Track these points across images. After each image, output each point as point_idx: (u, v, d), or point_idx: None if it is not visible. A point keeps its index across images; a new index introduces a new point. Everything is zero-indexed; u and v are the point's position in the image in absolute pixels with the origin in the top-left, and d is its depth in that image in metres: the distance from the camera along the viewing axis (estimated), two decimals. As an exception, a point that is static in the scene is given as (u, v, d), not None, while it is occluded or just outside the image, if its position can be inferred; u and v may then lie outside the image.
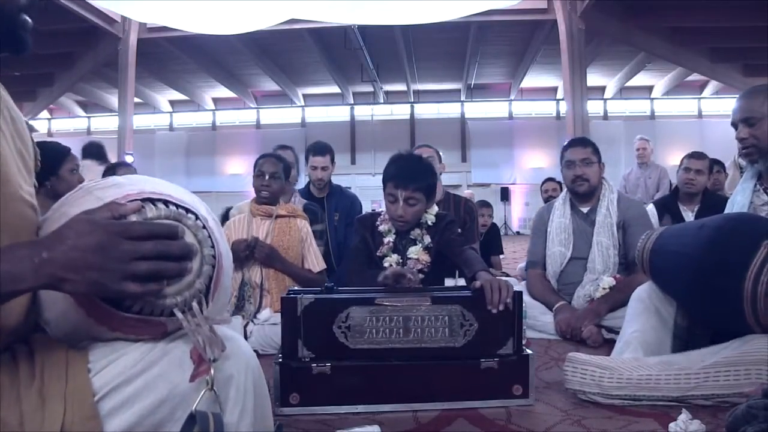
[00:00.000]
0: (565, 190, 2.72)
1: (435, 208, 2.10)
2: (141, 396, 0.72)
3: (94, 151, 4.65)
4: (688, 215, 3.26)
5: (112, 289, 0.66)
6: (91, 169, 4.51)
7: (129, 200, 0.75)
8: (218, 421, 0.72)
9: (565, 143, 2.80)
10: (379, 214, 2.16)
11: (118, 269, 0.65)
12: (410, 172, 2.01)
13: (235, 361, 0.78)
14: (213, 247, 0.77)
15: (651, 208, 3.39)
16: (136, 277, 0.66)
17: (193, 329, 0.73)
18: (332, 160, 3.39)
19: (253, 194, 2.56)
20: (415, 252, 2.03)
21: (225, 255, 0.82)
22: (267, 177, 2.45)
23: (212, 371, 0.73)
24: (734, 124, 1.83)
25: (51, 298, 0.75)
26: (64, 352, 0.74)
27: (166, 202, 0.77)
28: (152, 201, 0.76)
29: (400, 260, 2.04)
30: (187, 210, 0.78)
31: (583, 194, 2.57)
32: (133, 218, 0.72)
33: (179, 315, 0.72)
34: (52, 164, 2.36)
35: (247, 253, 2.33)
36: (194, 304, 0.73)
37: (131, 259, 0.66)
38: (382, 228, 2.09)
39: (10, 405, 0.67)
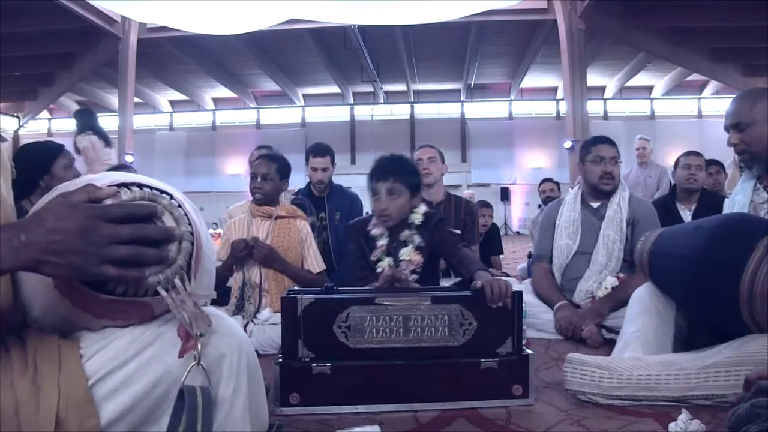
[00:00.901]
0: (576, 186, 2.74)
1: (423, 208, 2.09)
2: (135, 379, 0.73)
3: (92, 124, 4.72)
4: (686, 214, 3.28)
5: (92, 272, 0.66)
6: (95, 142, 4.54)
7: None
8: (206, 394, 0.72)
9: (588, 140, 2.79)
10: (369, 218, 2.16)
11: (97, 253, 0.65)
12: (389, 165, 2.04)
13: (227, 340, 0.78)
14: (190, 224, 0.78)
15: None
16: (115, 260, 0.66)
17: (178, 306, 0.73)
18: (332, 161, 3.38)
19: (249, 195, 2.56)
20: (406, 253, 2.02)
21: (204, 236, 0.82)
22: (259, 179, 2.45)
23: (199, 346, 0.74)
24: (726, 129, 1.85)
25: (35, 294, 0.75)
26: (56, 341, 0.74)
27: (140, 185, 0.78)
28: (127, 185, 0.77)
29: (392, 263, 2.04)
30: (162, 191, 0.79)
31: (608, 193, 2.58)
32: (109, 202, 0.72)
33: (163, 292, 0.72)
34: (44, 162, 2.31)
35: (245, 252, 2.33)
36: (177, 281, 0.73)
37: (110, 243, 0.66)
38: (374, 232, 2.08)
39: (6, 394, 0.68)
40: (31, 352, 0.72)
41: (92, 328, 0.76)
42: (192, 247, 0.77)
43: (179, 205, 0.78)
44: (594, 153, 2.61)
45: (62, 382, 0.70)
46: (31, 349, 0.73)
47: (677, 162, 3.46)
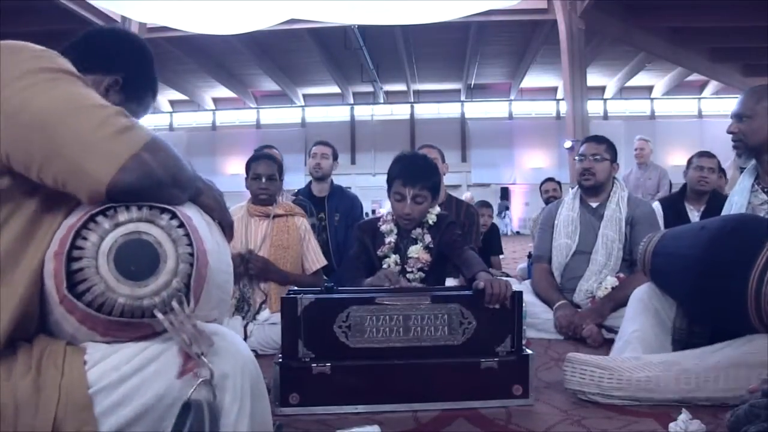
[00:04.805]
0: (576, 186, 2.75)
1: (437, 208, 2.11)
2: (138, 393, 0.73)
3: None
4: (694, 215, 3.25)
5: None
6: None
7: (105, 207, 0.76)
8: (213, 408, 0.72)
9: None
10: (380, 217, 2.18)
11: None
12: (418, 171, 2.03)
13: (230, 361, 0.78)
14: (190, 244, 0.77)
15: (657, 206, 3.38)
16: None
17: (177, 328, 0.73)
18: (335, 157, 3.42)
19: (248, 195, 2.54)
20: (415, 251, 2.05)
21: (212, 252, 0.81)
22: (264, 180, 2.42)
23: (207, 362, 0.74)
24: (731, 117, 1.93)
25: (49, 306, 0.77)
26: (63, 346, 0.75)
27: (139, 206, 0.77)
28: (126, 205, 0.76)
29: (399, 261, 2.06)
30: (163, 210, 0.78)
31: (589, 189, 2.61)
32: (106, 224, 0.74)
33: (159, 315, 0.73)
34: None
35: (241, 267, 2.26)
36: (174, 304, 0.73)
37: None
38: (384, 228, 2.10)
39: (7, 394, 0.69)
40: (36, 356, 0.73)
41: (99, 342, 0.77)
42: (191, 268, 0.76)
43: (180, 224, 0.77)
44: (578, 151, 2.68)
45: (63, 386, 0.71)
46: (36, 352, 0.74)
47: (689, 162, 3.41)
